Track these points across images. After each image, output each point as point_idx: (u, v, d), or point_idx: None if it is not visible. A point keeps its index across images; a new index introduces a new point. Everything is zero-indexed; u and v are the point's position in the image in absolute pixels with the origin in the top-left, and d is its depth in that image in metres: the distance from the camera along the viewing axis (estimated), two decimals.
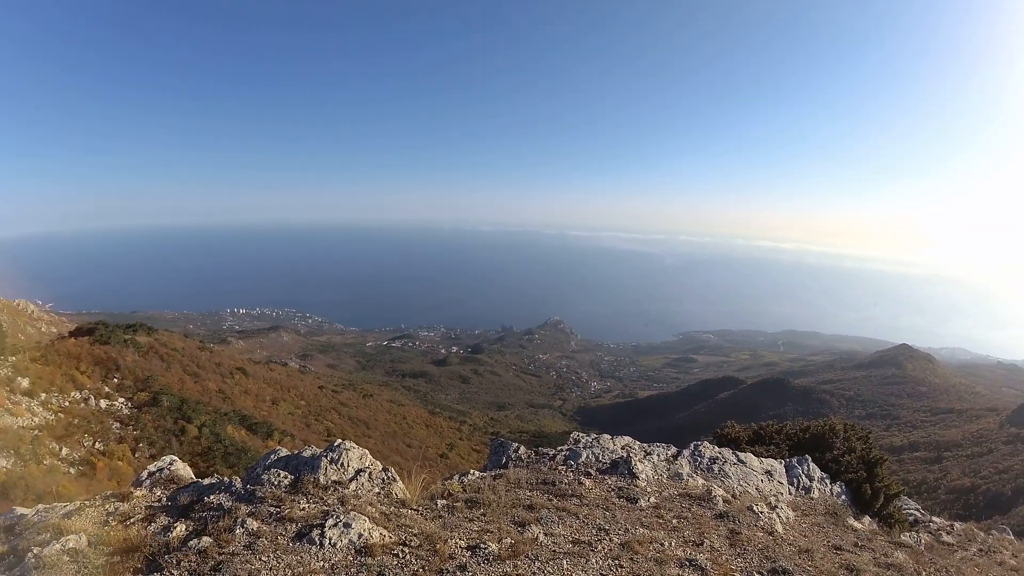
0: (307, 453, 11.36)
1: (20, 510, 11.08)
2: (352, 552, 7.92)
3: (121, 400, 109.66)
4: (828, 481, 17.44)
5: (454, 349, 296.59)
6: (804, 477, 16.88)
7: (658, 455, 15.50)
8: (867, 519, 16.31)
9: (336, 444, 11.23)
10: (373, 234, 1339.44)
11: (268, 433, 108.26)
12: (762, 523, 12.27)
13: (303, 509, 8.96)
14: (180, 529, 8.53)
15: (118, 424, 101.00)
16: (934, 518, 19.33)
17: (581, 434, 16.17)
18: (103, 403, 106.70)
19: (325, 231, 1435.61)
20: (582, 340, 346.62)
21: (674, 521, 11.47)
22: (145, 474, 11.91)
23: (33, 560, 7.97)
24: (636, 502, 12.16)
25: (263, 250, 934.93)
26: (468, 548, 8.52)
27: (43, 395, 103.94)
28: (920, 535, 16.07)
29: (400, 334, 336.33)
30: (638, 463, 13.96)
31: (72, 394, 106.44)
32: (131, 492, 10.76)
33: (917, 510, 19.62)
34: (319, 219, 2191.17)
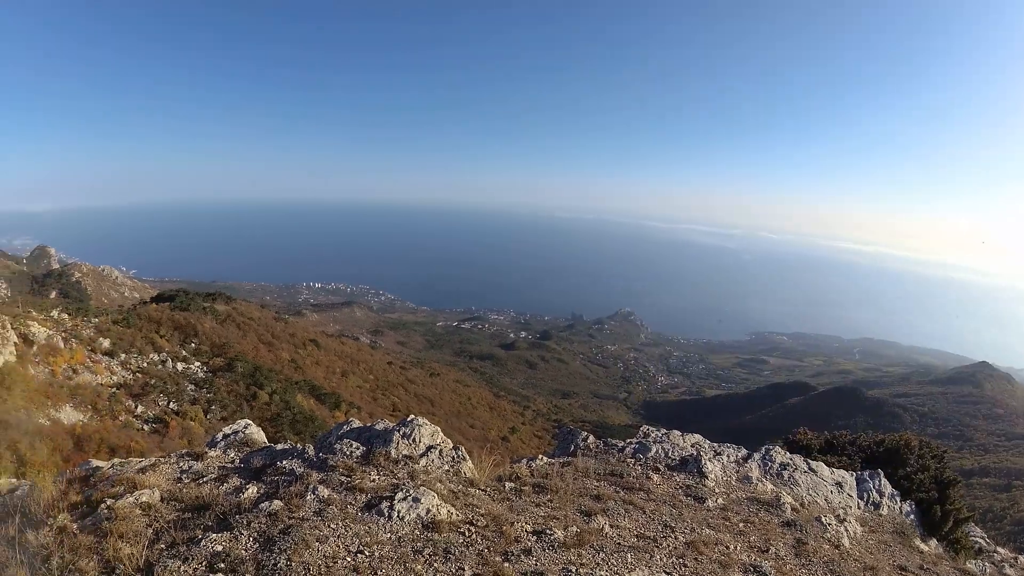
0: (380, 426, 11.52)
1: (96, 462, 11.48)
2: (419, 527, 7.99)
3: (197, 364, 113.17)
4: (898, 498, 16.99)
5: (523, 334, 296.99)
6: (875, 492, 16.47)
7: (728, 456, 15.30)
8: (934, 542, 15.89)
9: (409, 419, 11.35)
10: (449, 215, 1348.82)
11: (336, 404, 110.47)
12: (829, 535, 12.03)
13: (373, 481, 9.08)
14: (252, 491, 8.71)
15: (193, 386, 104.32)
16: (999, 548, 18.65)
17: (651, 428, 16.05)
18: (180, 366, 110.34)
19: (402, 210, 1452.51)
20: (652, 333, 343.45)
21: (741, 525, 11.31)
22: (220, 436, 12.23)
23: (106, 511, 8.25)
24: (703, 502, 12.03)
25: (341, 227, 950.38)
26: (534, 533, 8.53)
27: (123, 355, 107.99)
28: (984, 564, 15.62)
29: (470, 316, 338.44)
30: (708, 462, 13.80)
31: (151, 356, 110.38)
32: (205, 452, 11.07)
33: (982, 538, 18.96)
34: (396, 198, 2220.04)
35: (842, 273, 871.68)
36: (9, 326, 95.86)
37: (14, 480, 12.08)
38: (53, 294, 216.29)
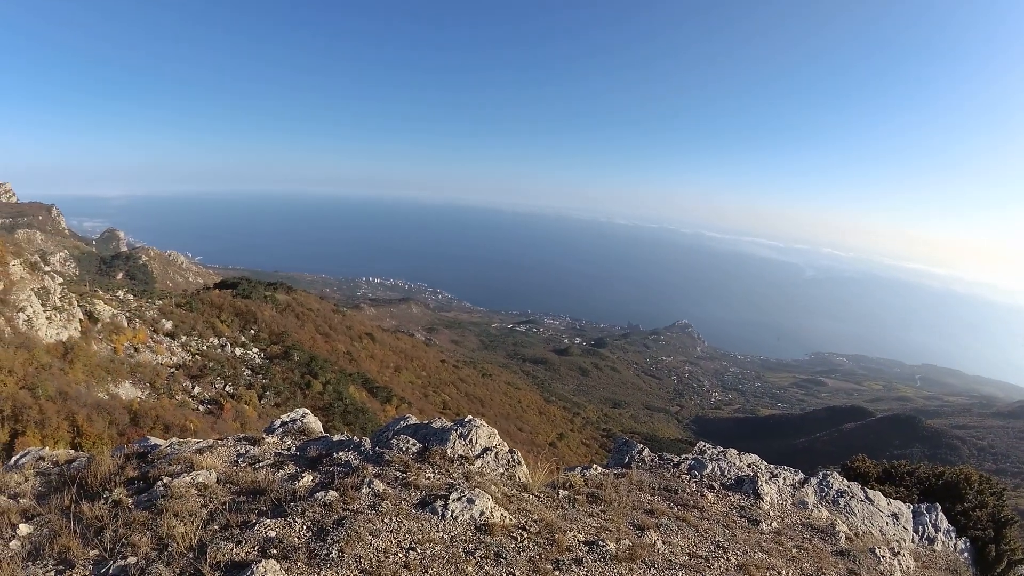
0: (437, 424, 11.50)
1: (153, 440, 11.71)
2: (472, 528, 7.92)
3: (255, 350, 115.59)
4: (953, 534, 16.53)
5: (577, 340, 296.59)
6: (930, 526, 16.02)
7: (784, 479, 14.97)
8: None
9: (467, 420, 11.31)
10: (509, 218, 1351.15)
11: (387, 398, 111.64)
12: (882, 568, 11.73)
13: (428, 479, 9.05)
14: (307, 480, 8.76)
15: (249, 371, 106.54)
16: None
17: (707, 445, 15.78)
18: (238, 351, 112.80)
19: (463, 211, 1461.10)
20: (708, 347, 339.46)
21: (794, 551, 11.04)
22: (278, 422, 12.34)
23: (162, 488, 8.39)
24: (758, 524, 11.76)
25: (403, 224, 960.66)
26: (586, 543, 8.41)
27: (183, 337, 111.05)
28: None
29: (525, 319, 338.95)
30: (764, 484, 13.51)
31: (210, 340, 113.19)
32: (263, 438, 11.18)
33: None
34: (458, 199, 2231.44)
35: (909, 295, 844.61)
36: (76, 303, 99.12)
37: (72, 451, 12.35)
38: (120, 275, 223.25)
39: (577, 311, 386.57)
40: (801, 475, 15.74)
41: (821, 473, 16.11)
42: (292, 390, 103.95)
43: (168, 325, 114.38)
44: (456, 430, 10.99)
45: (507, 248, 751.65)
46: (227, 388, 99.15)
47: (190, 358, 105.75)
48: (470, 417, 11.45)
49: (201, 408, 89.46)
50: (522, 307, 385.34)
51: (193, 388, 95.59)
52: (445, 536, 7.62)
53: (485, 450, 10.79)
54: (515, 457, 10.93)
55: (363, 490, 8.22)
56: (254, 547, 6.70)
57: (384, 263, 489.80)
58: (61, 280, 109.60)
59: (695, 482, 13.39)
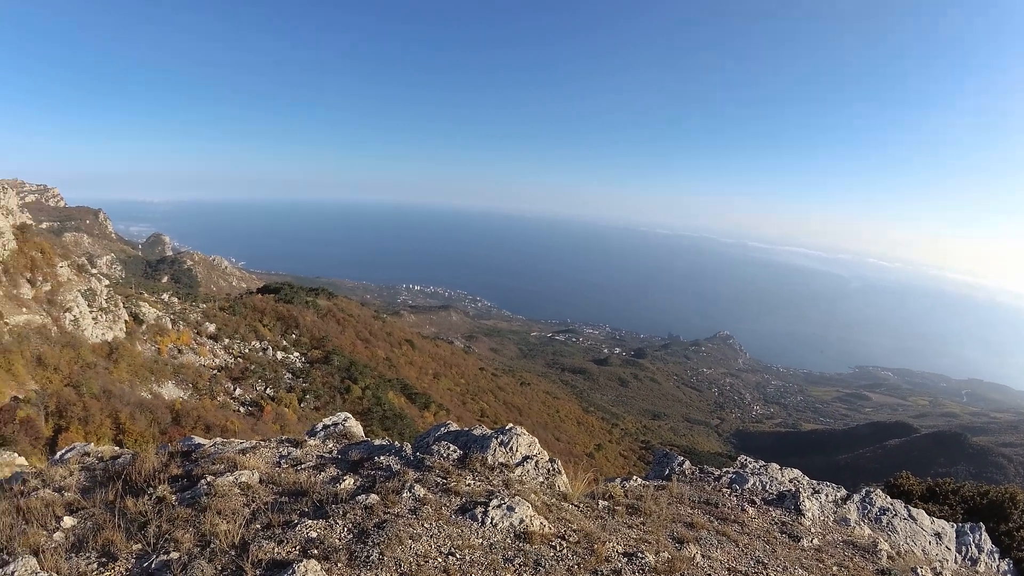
0: (477, 431, 11.50)
1: (197, 439, 11.90)
2: (511, 536, 7.89)
3: (296, 354, 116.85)
4: (997, 555, 16.11)
5: (616, 350, 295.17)
6: (973, 547, 15.63)
7: (826, 495, 14.73)
8: None
9: (508, 428, 11.30)
10: (549, 226, 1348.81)
11: (425, 404, 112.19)
12: None
13: (468, 485, 9.04)
14: (349, 483, 8.83)
15: (290, 375, 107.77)
16: None
17: (749, 459, 15.60)
18: (279, 354, 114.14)
19: (503, 218, 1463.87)
20: (750, 359, 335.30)
21: (834, 568, 10.83)
22: (320, 426, 12.46)
23: (206, 487, 8.54)
24: (799, 540, 11.58)
25: (443, 232, 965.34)
26: (625, 554, 8.33)
27: (226, 340, 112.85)
28: None
29: (565, 328, 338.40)
30: (806, 500, 13.31)
31: (253, 343, 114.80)
32: (305, 440, 11.32)
33: None
34: (498, 207, 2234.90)
35: (956, 308, 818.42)
36: (121, 305, 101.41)
37: (116, 448, 12.60)
38: (165, 279, 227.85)
39: (617, 321, 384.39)
40: (844, 491, 15.49)
41: (864, 490, 15.84)
42: (332, 394, 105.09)
43: (211, 328, 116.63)
44: (497, 438, 10.98)
45: (547, 256, 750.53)
46: (268, 391, 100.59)
47: (232, 360, 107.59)
48: (511, 425, 11.43)
49: (242, 409, 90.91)
50: (562, 316, 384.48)
51: (235, 390, 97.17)
52: (484, 543, 7.61)
53: (525, 458, 10.76)
54: (555, 466, 10.89)
55: (404, 494, 8.26)
56: (295, 547, 6.77)
57: (425, 271, 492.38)
58: (107, 282, 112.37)
59: (736, 496, 13.24)
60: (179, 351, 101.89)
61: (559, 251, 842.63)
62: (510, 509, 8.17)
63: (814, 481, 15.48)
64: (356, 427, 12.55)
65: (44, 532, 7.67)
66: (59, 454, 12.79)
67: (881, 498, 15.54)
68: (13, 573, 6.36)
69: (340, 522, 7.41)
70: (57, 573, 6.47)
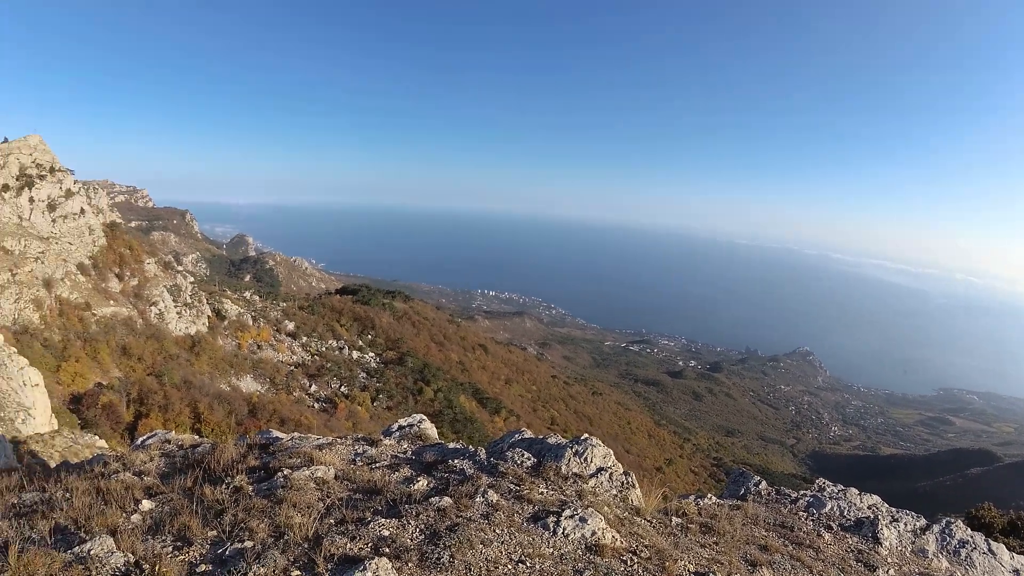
0: (552, 440, 11.42)
1: (276, 432, 12.19)
2: (582, 547, 7.78)
3: (371, 354, 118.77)
4: None
5: (692, 363, 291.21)
6: None
7: (905, 524, 14.21)
8: None
9: (583, 438, 11.20)
10: (625, 234, 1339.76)
11: (496, 409, 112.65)
12: None
13: (542, 494, 8.97)
14: (422, 484, 8.84)
15: (364, 374, 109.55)
16: None
17: (827, 482, 15.15)
18: (355, 354, 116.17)
19: (578, 226, 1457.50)
20: (830, 377, 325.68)
21: None
22: (395, 426, 12.57)
23: (282, 480, 8.71)
24: (874, 570, 11.17)
25: (519, 239, 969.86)
26: (696, 574, 8.14)
27: (304, 338, 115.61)
28: None
29: (639, 338, 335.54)
30: (884, 528, 12.87)
31: (329, 342, 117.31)
32: (380, 439, 11.43)
33: None
34: (574, 214, 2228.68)
35: None
36: (205, 301, 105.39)
37: (196, 437, 13.00)
38: (247, 277, 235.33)
39: (693, 333, 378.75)
40: (923, 521, 14.92)
41: (944, 521, 15.23)
42: (404, 395, 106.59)
43: (291, 326, 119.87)
44: (572, 447, 10.89)
45: (624, 265, 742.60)
46: (342, 388, 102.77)
47: (309, 358, 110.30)
48: (586, 436, 11.32)
49: (316, 405, 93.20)
50: (636, 326, 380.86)
51: (310, 386, 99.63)
52: (555, 552, 7.52)
53: (599, 470, 10.64)
54: (629, 479, 10.74)
55: (477, 499, 8.23)
56: (367, 544, 6.80)
57: (500, 277, 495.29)
58: (192, 279, 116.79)
59: (812, 520, 12.88)
60: (258, 347, 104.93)
61: (635, 260, 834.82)
62: (582, 520, 8.06)
63: (893, 509, 14.97)
64: (431, 429, 12.62)
65: (122, 513, 7.89)
66: (140, 440, 13.23)
67: (961, 530, 14.94)
68: (90, 551, 6.52)
69: (412, 522, 7.41)
70: (133, 553, 6.61)
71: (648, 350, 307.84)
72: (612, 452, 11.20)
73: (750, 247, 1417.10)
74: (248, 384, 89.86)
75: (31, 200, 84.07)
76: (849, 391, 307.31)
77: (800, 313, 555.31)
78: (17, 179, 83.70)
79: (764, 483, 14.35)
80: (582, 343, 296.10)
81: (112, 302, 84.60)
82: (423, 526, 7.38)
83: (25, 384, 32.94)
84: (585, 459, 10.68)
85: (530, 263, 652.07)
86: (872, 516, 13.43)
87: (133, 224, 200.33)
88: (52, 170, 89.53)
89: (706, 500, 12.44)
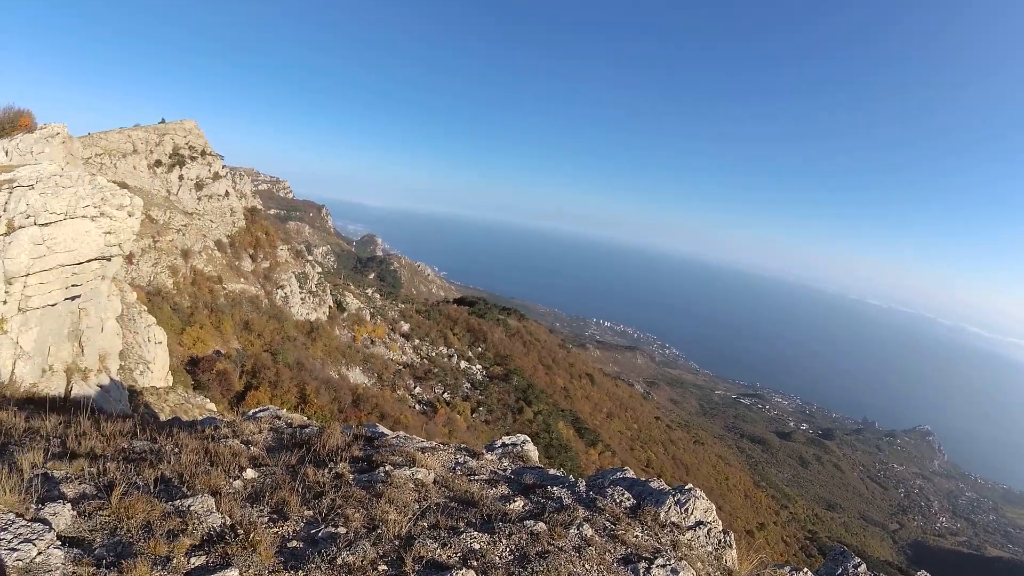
0: (654, 484, 11.16)
1: (381, 428, 12.48)
2: None
3: (479, 366, 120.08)
4: None
5: (803, 426, 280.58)
6: None
7: None
8: None
9: (687, 487, 10.89)
10: (751, 280, 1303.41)
11: (593, 441, 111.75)
12: None
13: (636, 537, 8.75)
14: (518, 504, 8.77)
15: (469, 385, 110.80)
16: None
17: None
18: (463, 364, 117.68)
19: (701, 267, 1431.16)
20: (947, 462, 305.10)
21: None
22: (499, 442, 12.61)
23: (383, 475, 8.86)
24: None
25: (642, 272, 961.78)
26: None
27: (417, 341, 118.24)
28: None
29: (752, 392, 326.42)
30: None
31: (440, 348, 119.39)
32: (482, 453, 11.49)
33: None
34: (698, 252, 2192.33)
35: None
36: (328, 292, 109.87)
37: (305, 418, 13.44)
38: (371, 275, 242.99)
39: (809, 393, 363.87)
40: None
41: None
42: (504, 411, 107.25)
43: (405, 327, 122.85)
44: (674, 495, 10.60)
45: (746, 313, 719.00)
46: (445, 395, 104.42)
47: (418, 360, 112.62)
48: (690, 485, 11.00)
49: (417, 407, 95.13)
50: (750, 378, 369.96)
51: (415, 387, 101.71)
52: None
53: (698, 523, 10.31)
54: (727, 539, 10.36)
55: (571, 530, 8.09)
56: (456, 553, 6.79)
57: (616, 307, 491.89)
58: (320, 270, 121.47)
59: None
60: (372, 342, 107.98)
61: (758, 308, 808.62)
62: (673, 572, 7.81)
63: None
64: (533, 452, 12.60)
65: (226, 478, 8.17)
66: (252, 411, 13.74)
67: None
68: (190, 507, 6.77)
69: (504, 541, 7.37)
70: (230, 517, 6.80)
71: (759, 405, 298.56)
72: (714, 507, 10.87)
73: (881, 308, 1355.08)
74: (356, 375, 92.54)
75: (180, 177, 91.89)
76: (965, 480, 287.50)
77: (926, 387, 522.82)
78: (170, 157, 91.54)
79: (864, 567, 13.61)
80: (692, 388, 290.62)
81: (242, 280, 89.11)
82: (514, 546, 7.33)
83: (149, 340, 34.97)
84: (686, 509, 10.38)
85: (649, 297, 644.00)
86: None
87: (272, 212, 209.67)
88: (203, 153, 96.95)
89: (801, 574, 11.92)
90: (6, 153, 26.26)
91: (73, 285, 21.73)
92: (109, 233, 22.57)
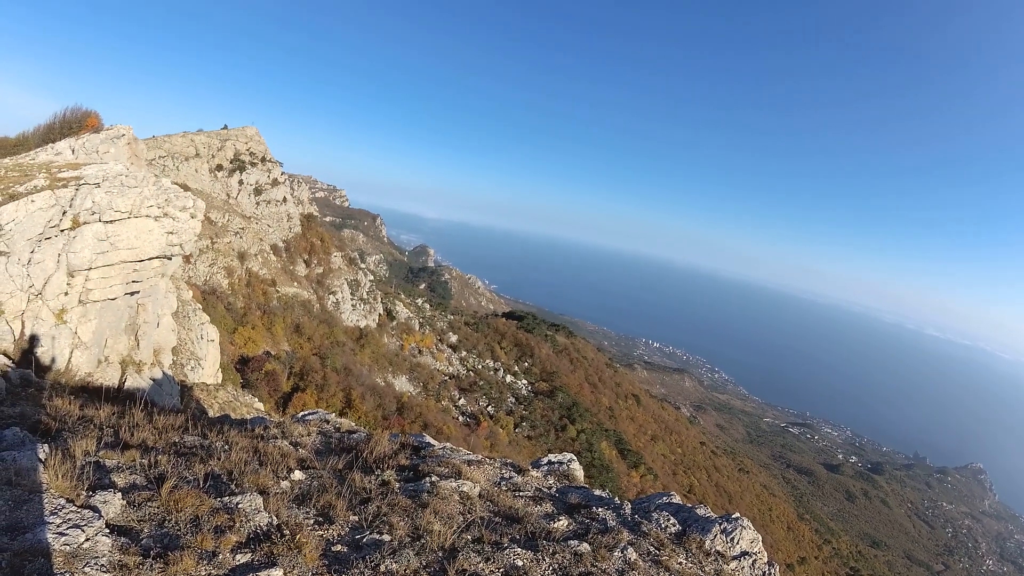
0: (701, 511, 11.01)
1: (428, 439, 12.56)
2: None
3: (524, 381, 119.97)
4: None
5: (852, 459, 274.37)
6: None
7: None
8: None
9: (734, 517, 10.72)
10: (806, 307, 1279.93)
11: (635, 464, 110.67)
12: None
13: (680, 564, 8.65)
14: (563, 523, 8.75)
15: (513, 399, 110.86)
16: None
17: None
18: (508, 378, 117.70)
19: (756, 290, 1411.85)
20: (998, 502, 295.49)
21: None
22: (544, 460, 12.58)
23: (429, 485, 8.93)
24: None
25: (695, 293, 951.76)
26: None
27: (464, 352, 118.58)
28: None
29: (802, 421, 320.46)
30: None
31: (487, 361, 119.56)
32: (527, 469, 11.47)
33: None
34: (751, 275, 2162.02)
35: None
36: (379, 300, 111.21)
37: (353, 424, 13.56)
38: (422, 286, 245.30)
39: (860, 426, 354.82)
40: None
41: None
42: (547, 428, 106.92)
43: (453, 338, 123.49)
44: (720, 524, 10.43)
45: (798, 340, 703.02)
46: (489, 408, 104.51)
47: (464, 372, 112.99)
48: (738, 514, 10.82)
49: (460, 418, 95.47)
50: (800, 407, 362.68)
51: (459, 399, 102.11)
52: None
53: (744, 553, 10.12)
54: (772, 571, 10.16)
55: (615, 553, 8.04)
56: (499, 569, 6.81)
57: (665, 328, 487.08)
58: (372, 278, 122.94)
59: None
60: (419, 351, 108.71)
61: (812, 336, 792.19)
62: None
63: None
64: (578, 471, 12.53)
65: (274, 477, 8.32)
66: (301, 414, 13.92)
67: None
68: (238, 504, 6.90)
69: (547, 559, 7.36)
70: (277, 516, 6.89)
71: (808, 435, 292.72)
72: (761, 538, 10.66)
73: (939, 340, 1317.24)
74: (402, 383, 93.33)
75: (240, 182, 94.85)
76: (1015, 522, 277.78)
77: (980, 423, 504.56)
78: (231, 162, 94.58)
79: None
80: (739, 414, 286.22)
81: (295, 284, 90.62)
82: (557, 566, 7.32)
83: (202, 337, 35.77)
84: (732, 539, 10.20)
85: (700, 319, 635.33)
86: None
87: (328, 219, 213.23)
88: (263, 159, 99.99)
89: None
90: (72, 151, 27.11)
91: (133, 281, 22.30)
92: (171, 233, 23.13)
